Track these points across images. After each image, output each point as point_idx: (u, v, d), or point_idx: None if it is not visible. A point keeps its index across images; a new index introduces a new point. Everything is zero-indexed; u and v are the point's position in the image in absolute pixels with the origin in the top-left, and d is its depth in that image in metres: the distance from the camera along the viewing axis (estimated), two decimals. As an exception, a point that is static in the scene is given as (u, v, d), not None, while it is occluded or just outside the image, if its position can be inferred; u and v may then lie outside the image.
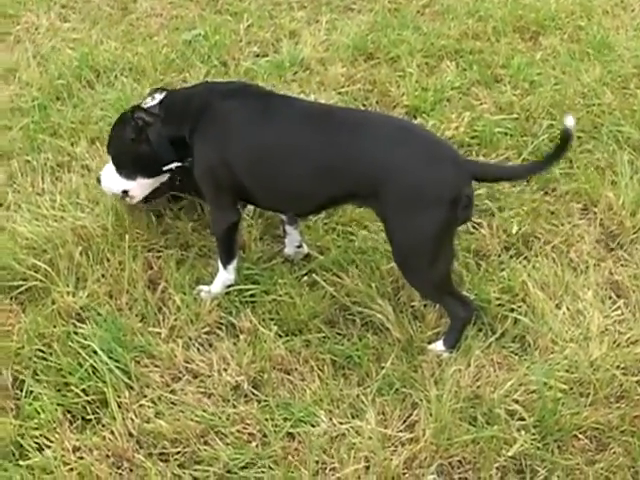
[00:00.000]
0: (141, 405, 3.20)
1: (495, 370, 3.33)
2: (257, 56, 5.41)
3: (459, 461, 3.06)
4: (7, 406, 3.21)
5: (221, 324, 3.54)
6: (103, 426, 3.14)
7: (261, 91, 3.70)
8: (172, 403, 3.22)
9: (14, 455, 3.06)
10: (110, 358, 3.31)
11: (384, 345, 3.44)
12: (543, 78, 5.13)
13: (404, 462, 3.01)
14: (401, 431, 3.12)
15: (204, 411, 3.17)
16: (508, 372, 3.33)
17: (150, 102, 3.67)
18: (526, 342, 3.48)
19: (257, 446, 3.08)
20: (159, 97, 3.66)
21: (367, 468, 2.99)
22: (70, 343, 3.39)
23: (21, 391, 3.25)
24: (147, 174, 3.72)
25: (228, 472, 3.01)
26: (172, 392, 3.26)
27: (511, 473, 3.04)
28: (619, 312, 3.61)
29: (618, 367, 3.34)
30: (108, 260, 3.76)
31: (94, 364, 3.28)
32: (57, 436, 3.08)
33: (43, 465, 3.00)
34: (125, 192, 3.77)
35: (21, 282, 3.67)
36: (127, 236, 3.79)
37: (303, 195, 3.43)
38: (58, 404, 3.19)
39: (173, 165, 3.67)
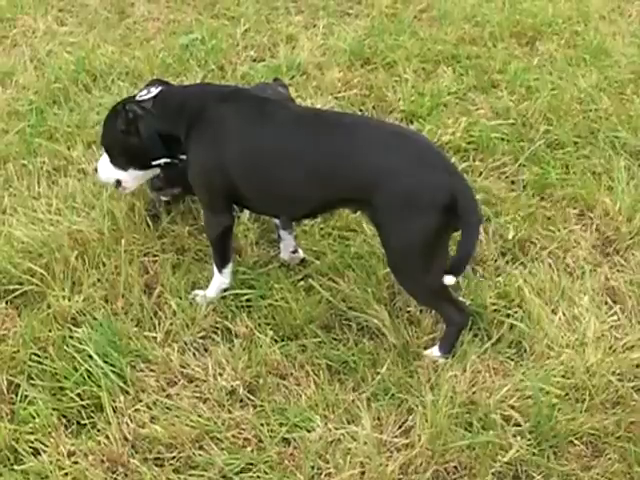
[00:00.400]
0: (136, 410, 3.19)
1: (491, 375, 3.33)
2: (254, 60, 5.42)
3: (455, 467, 3.05)
4: (2, 410, 3.19)
5: (217, 329, 3.54)
6: (98, 431, 3.13)
7: (256, 95, 3.70)
8: (167, 408, 3.21)
9: (9, 460, 3.05)
10: (105, 362, 3.30)
11: (380, 350, 3.44)
12: (540, 83, 5.14)
13: (399, 467, 3.00)
14: (397, 436, 3.12)
15: (199, 416, 3.16)
16: (504, 378, 3.33)
17: (145, 95, 3.66)
18: (522, 348, 3.48)
19: (252, 451, 3.07)
20: (155, 91, 3.65)
21: (362, 473, 2.98)
22: (65, 347, 3.38)
23: (16, 395, 3.24)
24: (137, 166, 3.73)
25: (223, 477, 3.00)
26: (167, 397, 3.26)
27: (507, 479, 3.03)
28: (615, 318, 3.61)
29: (614, 373, 3.34)
30: (104, 264, 3.76)
31: (89, 368, 3.28)
32: (52, 441, 3.07)
33: (38, 470, 2.99)
34: (118, 182, 3.80)
35: (17, 286, 3.66)
36: (123, 240, 3.79)
37: (297, 199, 3.43)
38: (53, 408, 3.18)
39: (162, 160, 3.68)
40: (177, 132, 3.52)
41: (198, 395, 3.26)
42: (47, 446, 3.05)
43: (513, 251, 3.95)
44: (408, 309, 3.61)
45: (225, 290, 3.64)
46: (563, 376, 3.32)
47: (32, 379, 3.29)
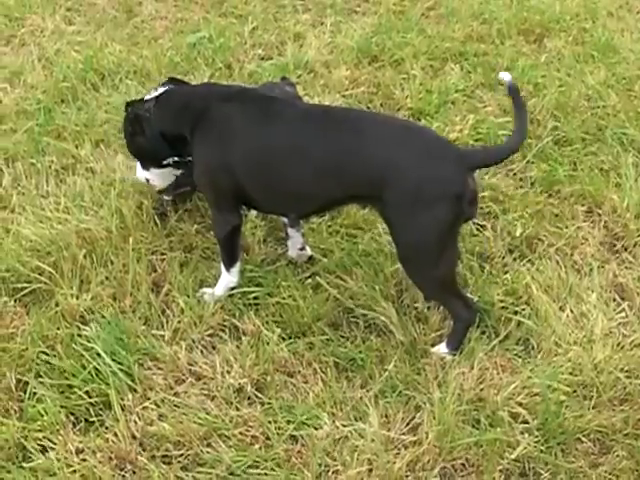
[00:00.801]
0: (144, 407, 3.20)
1: (498, 373, 3.33)
2: (262, 59, 5.42)
3: (462, 464, 3.05)
4: (10, 408, 3.21)
5: (224, 326, 3.54)
6: (106, 428, 3.14)
7: (262, 94, 3.70)
8: (175, 405, 3.22)
9: (17, 457, 3.06)
10: (113, 360, 3.31)
11: (387, 347, 3.44)
12: (547, 80, 5.13)
13: (407, 465, 3.01)
14: (404, 434, 3.12)
15: (207, 413, 3.17)
16: (511, 375, 3.32)
17: (150, 95, 3.68)
18: (530, 345, 3.48)
19: (260, 448, 3.08)
20: (160, 90, 3.67)
21: (370, 471, 2.99)
22: (73, 345, 3.39)
23: (24, 393, 3.25)
24: (154, 165, 3.81)
25: (231, 474, 3.01)
26: (175, 394, 3.26)
27: (514, 476, 3.03)
28: (623, 315, 3.61)
29: (622, 370, 3.33)
30: (112, 263, 3.77)
31: (97, 366, 3.28)
32: (60, 438, 3.08)
33: (46, 467, 3.00)
34: (147, 180, 3.91)
35: (25, 284, 3.68)
36: (131, 239, 3.80)
37: (305, 197, 3.43)
38: (61, 406, 3.20)
39: (171, 160, 3.71)
40: (182, 131, 3.53)
41: (206, 393, 3.27)
42: (55, 444, 3.07)
43: (521, 248, 3.94)
44: (415, 306, 3.62)
45: (233, 288, 3.65)
46: (571, 373, 3.32)
47: (40, 377, 3.30)
